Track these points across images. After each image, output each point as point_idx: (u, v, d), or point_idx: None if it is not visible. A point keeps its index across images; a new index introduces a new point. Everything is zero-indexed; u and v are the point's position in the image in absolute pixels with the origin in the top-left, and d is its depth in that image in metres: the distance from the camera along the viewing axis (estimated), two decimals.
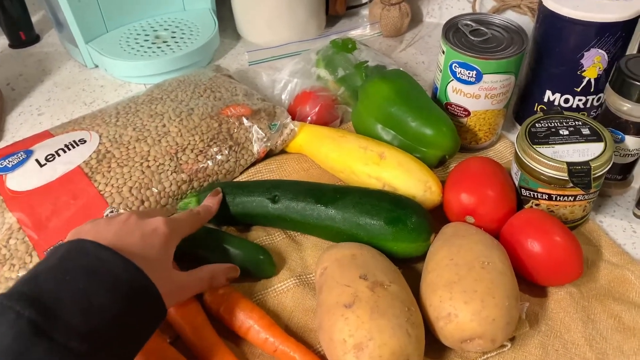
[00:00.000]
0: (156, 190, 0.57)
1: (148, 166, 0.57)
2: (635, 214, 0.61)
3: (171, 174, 0.58)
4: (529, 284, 0.53)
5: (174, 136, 0.60)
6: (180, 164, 0.59)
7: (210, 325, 0.48)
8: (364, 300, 0.44)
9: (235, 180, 0.63)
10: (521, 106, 0.71)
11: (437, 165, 0.64)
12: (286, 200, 0.55)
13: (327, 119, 0.70)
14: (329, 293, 0.46)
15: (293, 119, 0.70)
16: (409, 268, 0.55)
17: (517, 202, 0.57)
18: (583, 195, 0.54)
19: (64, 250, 0.38)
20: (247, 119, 0.63)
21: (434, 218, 0.56)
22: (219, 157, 0.61)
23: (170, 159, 0.58)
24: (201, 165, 0.59)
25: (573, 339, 0.49)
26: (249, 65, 0.83)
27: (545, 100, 0.67)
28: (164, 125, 0.61)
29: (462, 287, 0.45)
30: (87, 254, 0.38)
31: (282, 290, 0.53)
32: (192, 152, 0.59)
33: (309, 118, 0.70)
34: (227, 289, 0.50)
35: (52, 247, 0.39)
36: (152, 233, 0.43)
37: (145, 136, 0.59)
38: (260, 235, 0.58)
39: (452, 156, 0.64)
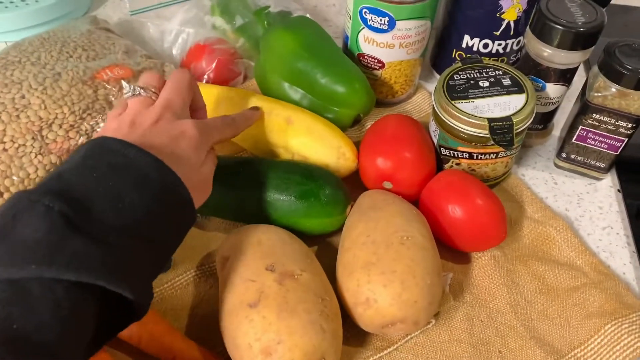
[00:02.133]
0: (17, 179, 0.47)
1: (4, 149, 0.47)
2: (556, 164, 0.59)
3: (35, 157, 0.48)
4: (452, 251, 0.49)
5: (36, 109, 0.49)
6: (47, 144, 0.49)
7: None
8: (270, 296, 0.38)
9: None
10: (438, 53, 0.66)
11: (352, 124, 0.58)
12: None
13: (227, 77, 0.62)
14: (231, 291, 0.40)
15: None
16: (325, 244, 0.50)
17: (436, 162, 0.53)
18: (505, 152, 0.51)
19: (87, 148, 0.34)
20: (128, 82, 0.53)
21: (350, 185, 0.51)
22: (96, 131, 0.51)
23: (32, 138, 0.48)
24: (74, 143, 0.50)
25: (498, 307, 0.47)
26: (131, 15, 0.71)
27: (464, 46, 0.62)
28: (23, 97, 0.50)
29: (380, 268, 0.41)
30: (112, 152, 0.34)
31: (181, 284, 0.46)
32: (60, 127, 0.49)
33: (206, 76, 0.61)
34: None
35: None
36: (181, 135, 0.39)
37: None
38: None
39: (368, 114, 0.58)
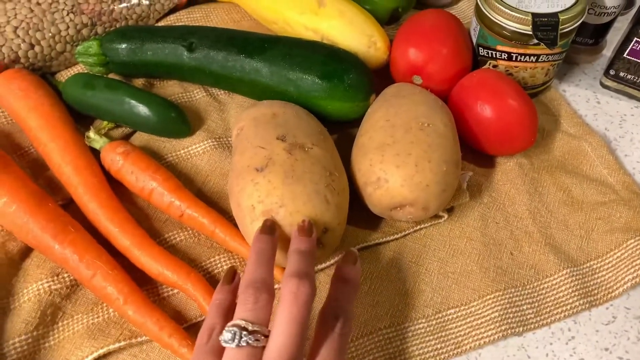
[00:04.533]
0: (49, 34, 0.47)
1: (38, 3, 0.47)
2: (602, 84, 0.55)
3: (67, 15, 0.48)
4: (477, 153, 0.47)
5: None
6: (80, 4, 0.49)
7: (108, 186, 0.42)
8: (278, 163, 0.38)
9: None
10: None
11: (389, 21, 0.56)
12: (204, 49, 0.47)
13: None
14: (241, 155, 0.40)
15: None
16: (345, 133, 0.49)
17: (473, 63, 0.50)
18: (547, 55, 0.47)
19: None
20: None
21: (379, 79, 0.50)
22: None
23: None
24: (105, 8, 0.50)
25: (516, 212, 0.45)
26: None
27: None
28: None
29: (395, 149, 0.40)
30: None
31: (197, 152, 0.46)
32: None
33: None
34: (127, 146, 0.43)
35: None
36: None
37: None
38: (175, 91, 0.50)
39: (407, 11, 0.55)
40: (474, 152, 0.47)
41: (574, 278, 0.41)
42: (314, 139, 0.41)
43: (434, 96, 0.45)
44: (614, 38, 0.56)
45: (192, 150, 0.46)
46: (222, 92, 0.51)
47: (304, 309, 0.29)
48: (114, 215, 0.40)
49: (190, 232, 0.42)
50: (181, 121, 0.46)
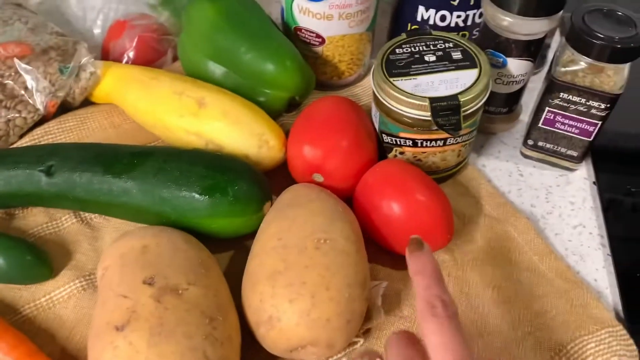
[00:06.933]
0: None
1: None
2: (523, 154, 0.51)
3: None
4: (391, 254, 0.42)
5: None
6: None
7: None
8: (143, 317, 0.31)
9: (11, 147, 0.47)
10: (394, 29, 0.58)
11: (288, 109, 0.51)
12: (65, 172, 0.40)
13: (151, 56, 0.54)
14: (101, 308, 0.33)
15: (106, 58, 0.54)
16: (243, 248, 0.43)
17: (378, 151, 0.45)
18: (454, 138, 0.43)
19: None
20: (23, 62, 0.46)
21: (278, 179, 0.44)
22: None
23: None
24: None
25: None
26: None
27: (419, 19, 0.54)
28: None
29: (288, 278, 0.34)
30: None
31: (61, 298, 0.39)
32: None
33: (126, 56, 0.53)
34: None
35: None
36: None
37: None
38: (39, 222, 0.43)
39: (306, 97, 0.51)
40: (387, 254, 0.42)
41: None
42: (191, 276, 0.34)
43: (334, 200, 0.39)
44: (529, 100, 0.53)
45: (56, 297, 0.39)
46: (96, 215, 0.44)
47: None
48: None
49: None
50: (39, 263, 0.39)
